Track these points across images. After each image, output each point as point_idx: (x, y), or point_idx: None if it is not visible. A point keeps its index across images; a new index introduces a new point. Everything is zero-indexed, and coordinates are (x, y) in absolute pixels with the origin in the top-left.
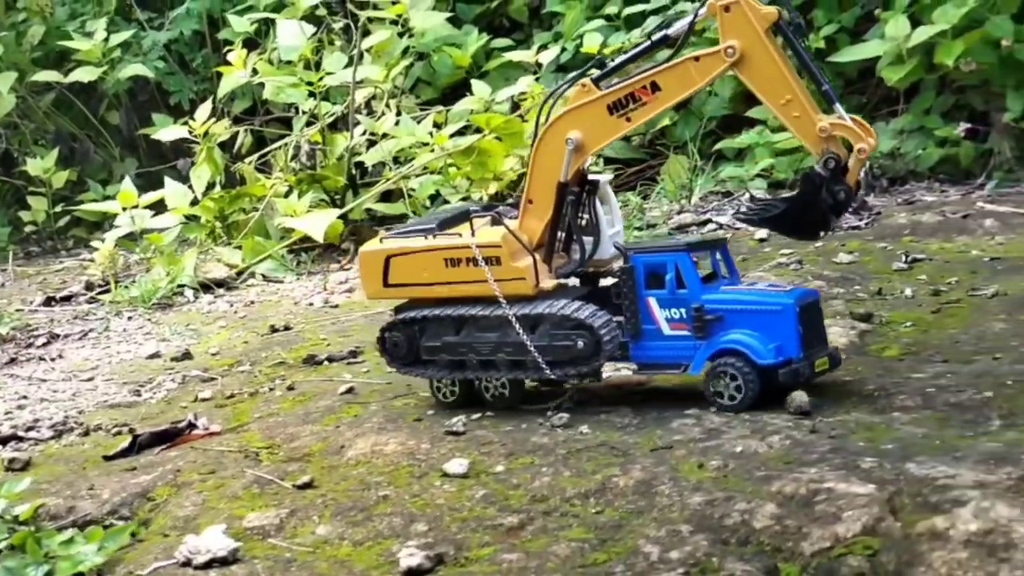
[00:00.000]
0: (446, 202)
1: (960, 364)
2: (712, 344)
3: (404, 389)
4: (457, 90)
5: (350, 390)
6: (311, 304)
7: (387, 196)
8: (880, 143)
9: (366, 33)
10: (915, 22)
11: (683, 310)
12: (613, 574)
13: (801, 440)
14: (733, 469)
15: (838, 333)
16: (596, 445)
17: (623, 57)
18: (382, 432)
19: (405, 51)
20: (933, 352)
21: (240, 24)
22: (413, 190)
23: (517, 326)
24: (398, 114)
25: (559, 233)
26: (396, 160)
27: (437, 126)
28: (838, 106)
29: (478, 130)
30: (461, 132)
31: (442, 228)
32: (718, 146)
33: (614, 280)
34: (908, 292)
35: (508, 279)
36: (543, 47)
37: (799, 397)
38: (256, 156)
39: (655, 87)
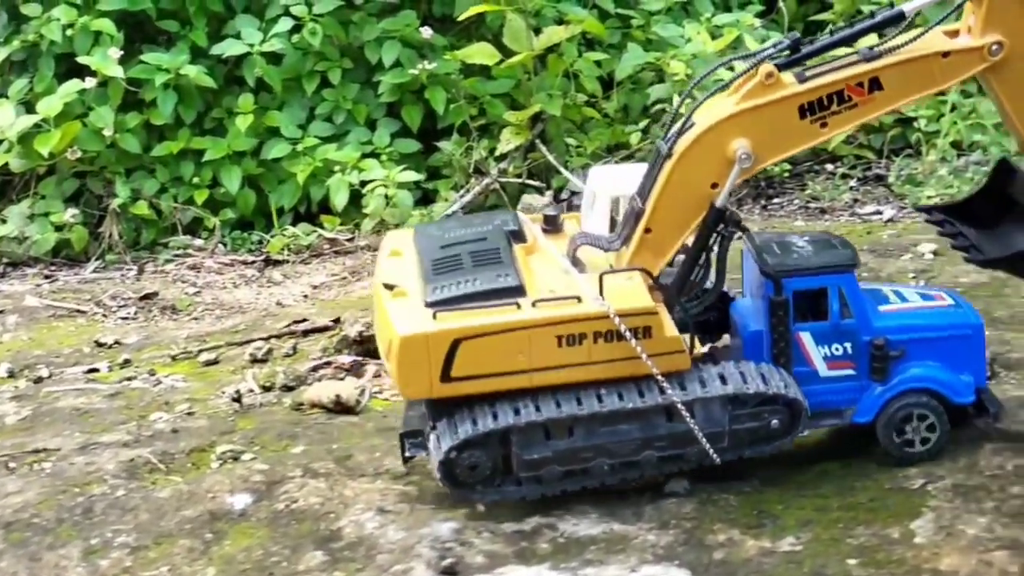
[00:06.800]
0: None
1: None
2: (892, 384)
3: None
4: None
5: None
6: None
7: None
8: (9, 227)
9: None
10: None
11: (847, 345)
12: None
13: None
14: None
15: None
16: None
17: (828, 39)
18: None
19: None
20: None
21: None
22: None
23: (686, 415)
24: None
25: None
26: None
27: None
28: None
29: None
30: None
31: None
32: None
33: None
34: None
35: (659, 353)
36: None
37: None
38: None
39: (875, 85)
